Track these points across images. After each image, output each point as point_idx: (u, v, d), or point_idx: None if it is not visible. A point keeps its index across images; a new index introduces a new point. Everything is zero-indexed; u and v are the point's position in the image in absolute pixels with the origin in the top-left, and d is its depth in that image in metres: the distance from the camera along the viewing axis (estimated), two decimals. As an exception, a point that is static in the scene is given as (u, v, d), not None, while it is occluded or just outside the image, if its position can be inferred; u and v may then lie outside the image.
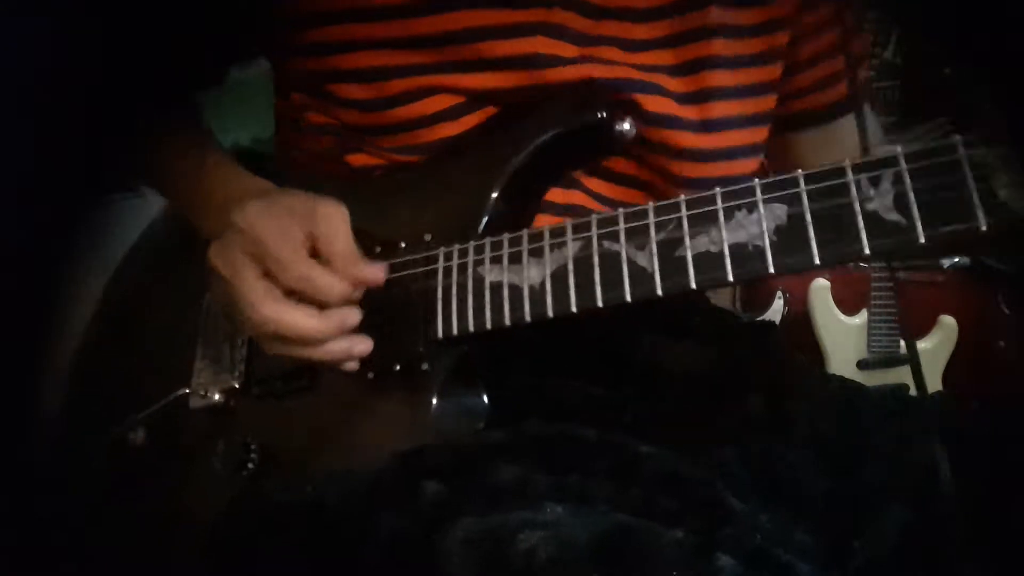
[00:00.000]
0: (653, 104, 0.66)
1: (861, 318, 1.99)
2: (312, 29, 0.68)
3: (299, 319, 0.60)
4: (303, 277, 0.60)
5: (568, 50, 0.65)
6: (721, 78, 0.68)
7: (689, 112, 0.68)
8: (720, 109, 0.69)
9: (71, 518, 0.70)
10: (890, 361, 1.94)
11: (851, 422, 0.66)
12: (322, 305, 0.61)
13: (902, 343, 1.91)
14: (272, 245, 0.60)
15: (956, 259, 1.97)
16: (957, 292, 2.00)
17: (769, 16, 0.70)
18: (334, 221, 0.61)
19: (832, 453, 0.63)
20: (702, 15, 0.66)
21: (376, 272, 0.62)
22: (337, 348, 0.61)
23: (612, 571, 0.47)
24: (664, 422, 0.65)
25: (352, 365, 0.63)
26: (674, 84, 0.67)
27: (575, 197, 0.69)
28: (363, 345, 0.62)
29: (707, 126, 0.68)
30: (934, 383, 1.92)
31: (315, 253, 0.61)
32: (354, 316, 0.61)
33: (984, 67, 0.45)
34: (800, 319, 2.03)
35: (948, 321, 1.98)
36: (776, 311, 2.06)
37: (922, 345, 1.96)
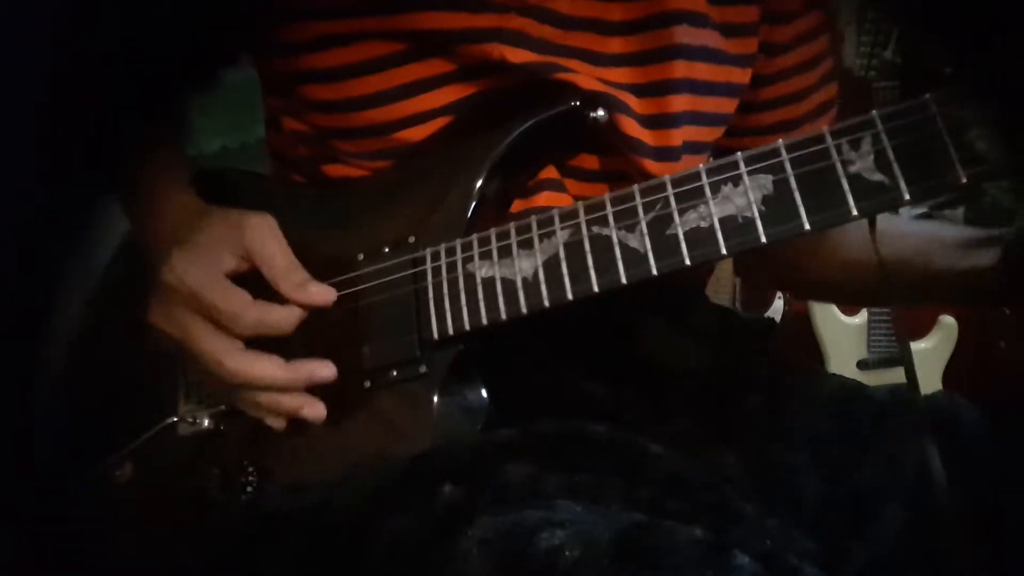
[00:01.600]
0: (620, 122, 0.66)
1: (861, 318, 1.99)
2: (280, 27, 0.68)
3: (266, 370, 0.60)
4: (256, 322, 0.59)
5: (527, 57, 0.64)
6: (684, 102, 0.68)
7: (648, 137, 0.67)
8: (679, 136, 0.68)
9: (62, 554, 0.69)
10: (890, 361, 1.94)
11: (851, 422, 0.66)
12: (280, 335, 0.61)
13: (902, 343, 1.91)
14: (212, 297, 0.59)
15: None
16: (957, 292, 2.00)
17: (742, 50, 0.69)
18: (264, 237, 0.61)
19: (831, 453, 0.63)
20: (669, 33, 0.66)
21: (324, 294, 0.62)
22: (295, 404, 0.61)
23: (634, 569, 0.47)
24: (664, 422, 0.65)
25: (313, 411, 0.62)
26: (638, 105, 0.67)
27: (564, 201, 0.69)
28: (315, 409, 0.61)
29: (663, 154, 0.68)
30: (934, 383, 1.92)
31: (255, 270, 0.61)
32: (325, 371, 0.61)
33: (984, 66, 0.45)
34: (800, 319, 2.03)
35: (948, 321, 1.98)
36: (776, 311, 2.06)
37: (922, 345, 1.96)
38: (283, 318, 0.60)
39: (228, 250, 0.61)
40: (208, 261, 0.60)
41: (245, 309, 0.59)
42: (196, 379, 0.70)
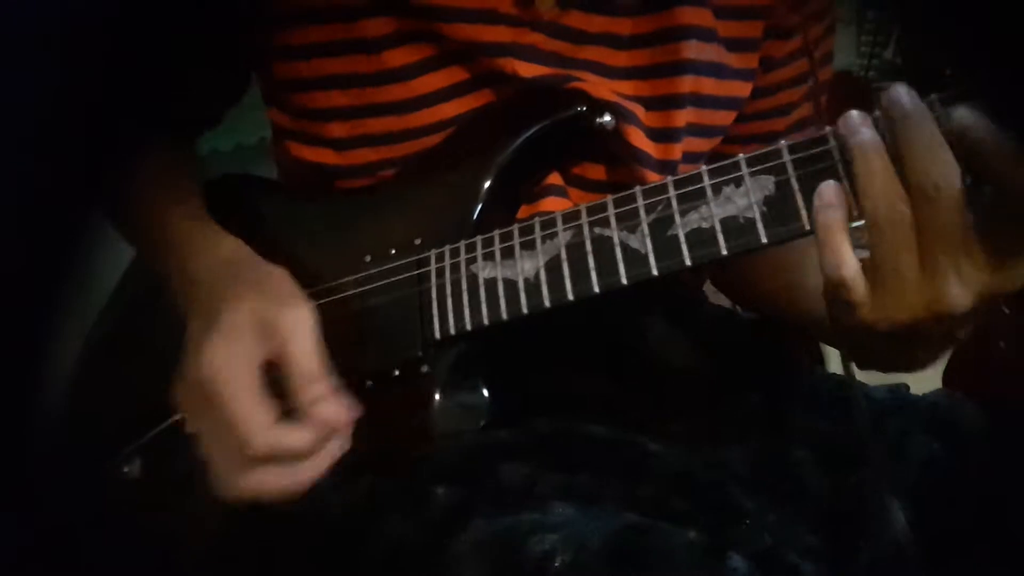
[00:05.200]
0: (628, 133, 0.66)
1: (861, 318, 1.99)
2: (297, 32, 0.68)
3: (277, 483, 0.55)
4: (269, 448, 0.54)
5: (540, 71, 0.65)
6: (689, 116, 0.68)
7: (653, 150, 0.68)
8: (680, 149, 0.69)
9: (69, 550, 0.69)
10: (890, 361, 1.94)
11: (852, 421, 0.66)
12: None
13: (902, 343, 1.91)
14: (231, 410, 0.54)
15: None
16: (957, 292, 2.00)
17: (745, 65, 0.70)
18: (298, 337, 0.56)
19: (833, 451, 0.63)
20: (678, 48, 0.66)
21: (340, 416, 0.55)
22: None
23: (625, 572, 0.47)
24: (665, 421, 0.65)
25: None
26: (647, 117, 0.67)
27: (565, 206, 0.69)
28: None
29: (666, 167, 0.68)
30: (934, 383, 1.92)
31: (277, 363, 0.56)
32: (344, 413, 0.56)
33: (984, 67, 0.45)
34: (800, 319, 2.03)
35: (948, 321, 1.97)
36: (776, 311, 2.05)
37: (922, 345, 1.96)
38: (300, 446, 0.54)
39: (259, 341, 0.56)
40: (241, 354, 0.56)
41: (262, 433, 0.54)
42: None
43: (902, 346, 0.49)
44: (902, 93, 0.46)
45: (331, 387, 0.56)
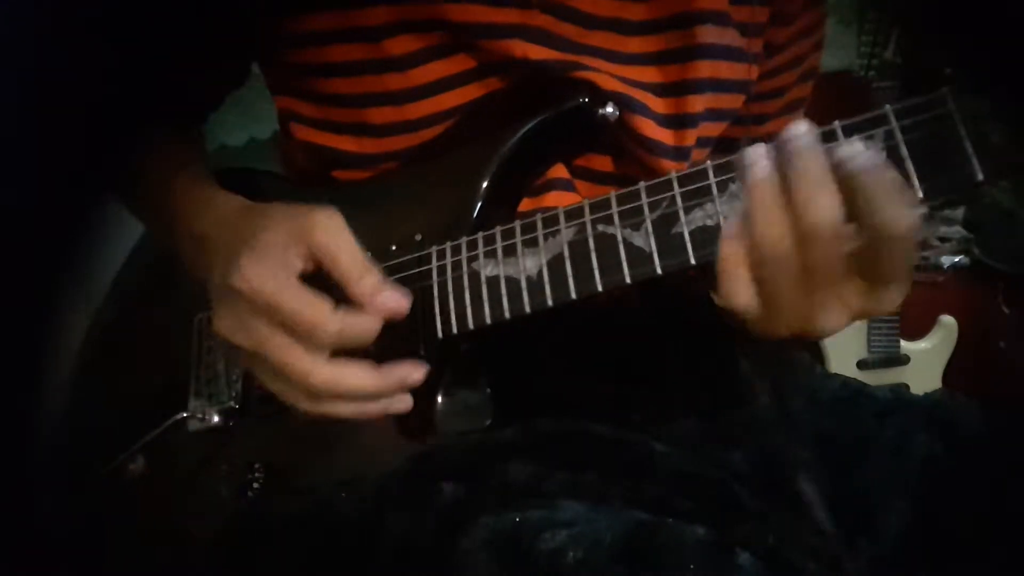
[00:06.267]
0: (637, 123, 0.66)
1: (861, 318, 1.99)
2: (299, 18, 0.67)
3: (358, 380, 0.54)
4: (338, 334, 0.53)
5: (548, 55, 0.64)
6: (705, 101, 0.68)
7: (667, 137, 0.67)
8: (695, 134, 0.68)
9: (71, 548, 0.68)
10: (890, 361, 1.94)
11: (853, 420, 0.66)
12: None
13: (902, 343, 1.92)
14: (292, 306, 0.53)
15: (956, 259, 1.98)
16: (957, 292, 2.00)
17: (755, 49, 0.70)
18: (333, 234, 0.55)
19: (835, 451, 0.63)
20: (693, 33, 0.65)
21: (399, 300, 0.55)
22: (381, 408, 0.56)
23: (637, 569, 0.47)
24: (670, 421, 0.65)
25: (403, 405, 0.57)
26: (658, 104, 0.67)
27: (573, 200, 0.69)
28: (404, 402, 0.57)
29: (680, 153, 0.68)
30: (934, 383, 1.93)
31: (320, 268, 0.55)
32: (417, 374, 0.56)
33: (984, 66, 0.45)
34: (800, 319, 2.03)
35: (948, 321, 1.98)
36: (777, 311, 2.06)
37: (922, 345, 1.97)
38: (366, 329, 0.54)
39: (295, 250, 0.55)
40: (279, 264, 0.54)
41: (327, 320, 0.53)
42: (262, 386, 0.64)
43: (789, 341, 0.53)
44: (801, 131, 0.48)
45: (380, 277, 0.55)
